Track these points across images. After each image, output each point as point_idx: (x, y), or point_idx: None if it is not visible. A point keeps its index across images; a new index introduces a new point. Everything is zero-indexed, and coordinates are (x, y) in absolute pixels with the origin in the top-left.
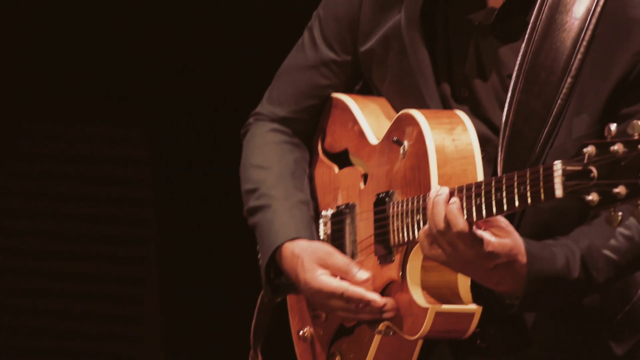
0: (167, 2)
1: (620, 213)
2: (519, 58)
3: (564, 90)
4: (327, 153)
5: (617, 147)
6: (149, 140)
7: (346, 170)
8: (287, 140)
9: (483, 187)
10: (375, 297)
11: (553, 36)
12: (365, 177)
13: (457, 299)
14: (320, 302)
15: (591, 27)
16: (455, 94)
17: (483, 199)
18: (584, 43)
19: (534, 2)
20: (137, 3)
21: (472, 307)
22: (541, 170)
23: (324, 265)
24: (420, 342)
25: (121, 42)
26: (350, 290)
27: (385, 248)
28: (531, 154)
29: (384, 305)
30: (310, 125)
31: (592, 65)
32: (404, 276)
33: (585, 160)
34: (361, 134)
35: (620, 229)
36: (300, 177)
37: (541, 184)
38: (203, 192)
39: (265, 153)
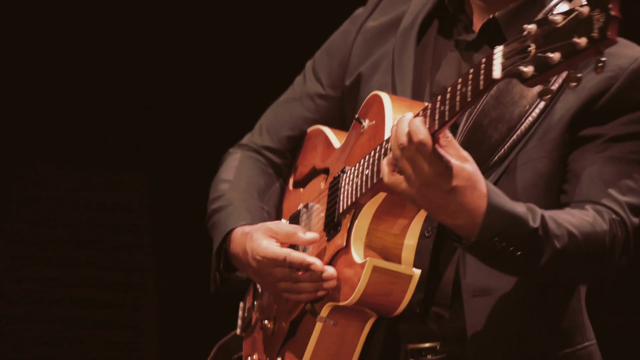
0: (164, 47)
1: (579, 75)
2: None
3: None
4: (295, 183)
5: (557, 17)
6: (148, 185)
7: (310, 183)
8: (261, 167)
9: (439, 98)
10: (315, 260)
11: None
12: (326, 178)
13: (399, 261)
14: (267, 272)
15: None
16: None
17: (443, 108)
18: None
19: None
20: (136, 48)
21: (412, 270)
22: (483, 60)
23: (272, 235)
24: (362, 340)
25: (120, 88)
26: (293, 254)
27: (334, 219)
28: (493, 154)
29: (323, 270)
30: (287, 161)
31: (569, 91)
32: (348, 240)
33: (524, 36)
34: (328, 146)
35: (582, 216)
36: (267, 198)
37: (482, 71)
38: (202, 237)
39: (236, 170)
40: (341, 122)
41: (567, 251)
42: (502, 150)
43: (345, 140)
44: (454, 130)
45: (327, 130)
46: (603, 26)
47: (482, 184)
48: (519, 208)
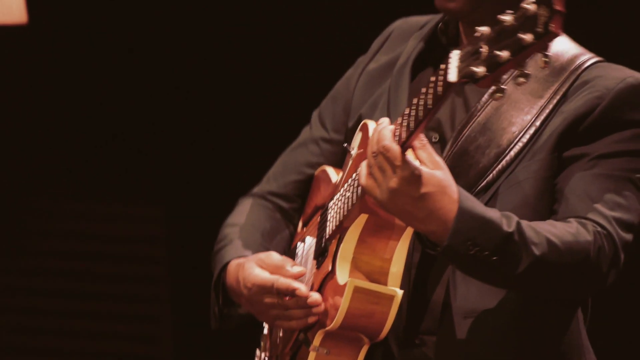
0: (184, 83)
1: (504, 87)
2: (485, 97)
3: (525, 135)
4: (303, 224)
5: (507, 17)
6: (164, 218)
7: (311, 221)
8: (268, 212)
9: (408, 109)
10: (300, 285)
11: (514, 99)
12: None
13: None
14: (257, 301)
15: (555, 99)
16: (427, 136)
17: (409, 118)
18: (554, 101)
19: None
20: (155, 83)
21: (394, 290)
22: (442, 66)
23: (262, 265)
24: None
25: (137, 121)
26: (280, 281)
27: (322, 246)
28: (481, 180)
29: (308, 296)
30: (296, 205)
31: (558, 114)
32: (334, 264)
33: (478, 38)
34: (329, 182)
35: (564, 227)
36: (271, 239)
37: (440, 77)
38: None
39: (242, 215)
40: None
41: (547, 259)
42: (490, 175)
43: (341, 173)
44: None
45: (329, 169)
46: (547, 21)
47: (453, 189)
48: (492, 213)
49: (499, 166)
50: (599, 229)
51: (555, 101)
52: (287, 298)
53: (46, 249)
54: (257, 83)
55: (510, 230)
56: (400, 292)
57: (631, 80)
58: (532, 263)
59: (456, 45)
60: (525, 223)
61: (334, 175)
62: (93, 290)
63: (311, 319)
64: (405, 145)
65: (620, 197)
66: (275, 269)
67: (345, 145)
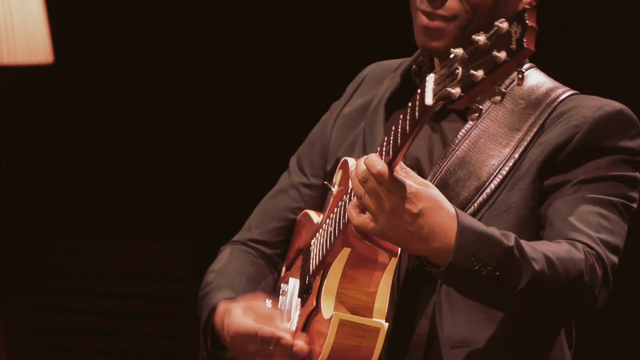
0: (208, 117)
1: (480, 107)
2: (462, 132)
3: (507, 164)
4: (286, 268)
5: (480, 37)
6: (191, 255)
7: (294, 264)
8: (251, 258)
9: (386, 137)
10: (285, 333)
11: (492, 133)
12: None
13: (368, 317)
14: (241, 348)
15: (531, 133)
16: None
17: (389, 146)
18: (531, 133)
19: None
20: (176, 116)
21: (379, 322)
22: (418, 91)
23: (249, 312)
24: None
25: (162, 158)
26: (264, 329)
27: (306, 283)
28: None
29: (293, 344)
30: (279, 251)
31: (536, 145)
32: (318, 300)
33: (452, 60)
34: (311, 224)
35: (558, 245)
36: (256, 284)
37: (417, 102)
38: None
39: (225, 261)
40: None
41: (546, 275)
42: (472, 207)
43: (322, 215)
44: None
45: (311, 212)
46: (519, 37)
47: (448, 204)
48: (490, 229)
49: (480, 198)
50: (589, 249)
51: (532, 133)
52: (272, 347)
53: (70, 287)
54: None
55: (511, 244)
56: (386, 325)
57: (608, 108)
58: (532, 278)
59: None
60: (522, 240)
61: (315, 217)
62: (121, 329)
63: None
64: (391, 168)
65: (605, 220)
66: (265, 320)
67: (326, 183)
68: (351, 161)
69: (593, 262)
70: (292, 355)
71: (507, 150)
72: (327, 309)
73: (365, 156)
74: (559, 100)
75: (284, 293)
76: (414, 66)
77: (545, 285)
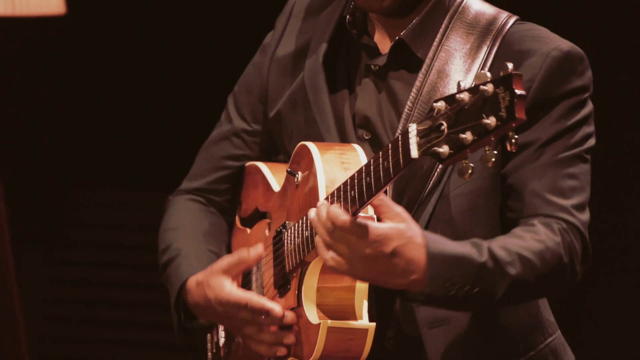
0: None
1: (471, 165)
2: (413, 90)
3: None
4: (242, 220)
5: (463, 95)
6: None
7: (255, 226)
8: (203, 208)
9: (356, 177)
10: (274, 306)
11: (448, 73)
12: (270, 225)
13: (353, 318)
14: (231, 316)
15: (488, 64)
16: (358, 136)
17: (356, 189)
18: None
19: (430, 43)
20: (193, 76)
21: (366, 323)
22: (399, 137)
23: (229, 272)
24: None
25: (177, 110)
26: (254, 300)
27: (283, 278)
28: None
29: (283, 316)
30: (228, 197)
31: None
32: (299, 299)
33: (435, 115)
34: (268, 188)
35: (532, 236)
36: (213, 238)
37: (400, 150)
38: None
39: (179, 217)
40: (273, 152)
41: (523, 276)
42: (435, 175)
43: (282, 188)
44: None
45: (265, 169)
46: (509, 105)
47: (418, 236)
48: (461, 248)
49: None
50: (564, 225)
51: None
52: (262, 317)
53: (86, 238)
54: None
55: (484, 259)
56: (373, 325)
57: (555, 54)
58: (511, 284)
59: (365, 33)
60: (495, 245)
61: (272, 180)
62: (136, 280)
63: (280, 352)
64: (356, 214)
65: (573, 180)
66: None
67: (289, 170)
68: (312, 148)
69: (571, 239)
70: (279, 332)
71: None
72: (311, 311)
73: (324, 204)
74: (504, 31)
75: (255, 278)
76: (348, 17)
77: (525, 285)
